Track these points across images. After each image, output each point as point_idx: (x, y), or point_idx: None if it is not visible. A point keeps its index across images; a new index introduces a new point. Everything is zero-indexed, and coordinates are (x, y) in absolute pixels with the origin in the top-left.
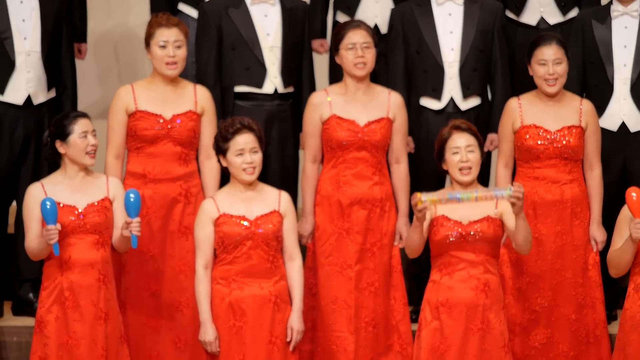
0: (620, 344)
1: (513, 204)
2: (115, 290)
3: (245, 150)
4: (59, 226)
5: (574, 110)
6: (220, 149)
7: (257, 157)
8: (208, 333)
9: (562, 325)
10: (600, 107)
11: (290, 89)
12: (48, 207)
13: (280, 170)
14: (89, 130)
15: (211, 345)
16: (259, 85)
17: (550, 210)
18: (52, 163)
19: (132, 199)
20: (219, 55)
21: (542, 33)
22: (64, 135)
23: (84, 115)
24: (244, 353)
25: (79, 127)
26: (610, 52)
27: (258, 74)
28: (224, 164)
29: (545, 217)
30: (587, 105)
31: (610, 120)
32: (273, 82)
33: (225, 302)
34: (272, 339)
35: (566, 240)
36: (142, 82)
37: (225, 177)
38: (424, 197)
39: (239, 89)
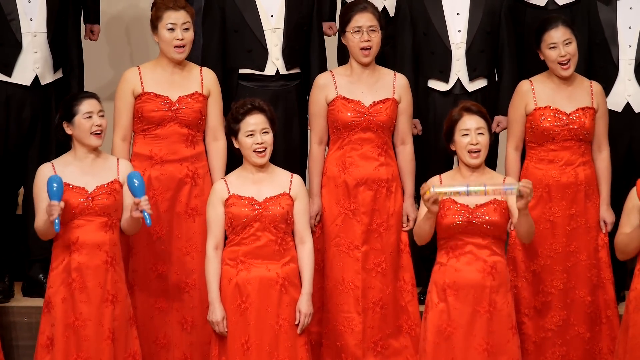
0: (625, 325)
1: (519, 199)
2: (124, 272)
3: (256, 131)
4: (62, 204)
5: (586, 91)
6: (232, 130)
7: (268, 138)
8: (216, 313)
9: (578, 308)
10: (606, 88)
11: (296, 70)
12: (54, 185)
13: (285, 150)
14: (94, 111)
15: (219, 325)
16: (261, 67)
17: (565, 193)
18: (60, 144)
19: (136, 184)
20: (222, 37)
21: (545, 16)
22: (69, 116)
23: (90, 95)
24: (249, 334)
25: (84, 108)
26: (616, 33)
27: (260, 56)
28: (236, 145)
29: (559, 200)
30: (597, 87)
31: (615, 100)
32: (275, 64)
33: (232, 283)
34: (278, 321)
35: (580, 222)
36: (149, 64)
37: (230, 159)
38: (432, 190)
39: (243, 71)
